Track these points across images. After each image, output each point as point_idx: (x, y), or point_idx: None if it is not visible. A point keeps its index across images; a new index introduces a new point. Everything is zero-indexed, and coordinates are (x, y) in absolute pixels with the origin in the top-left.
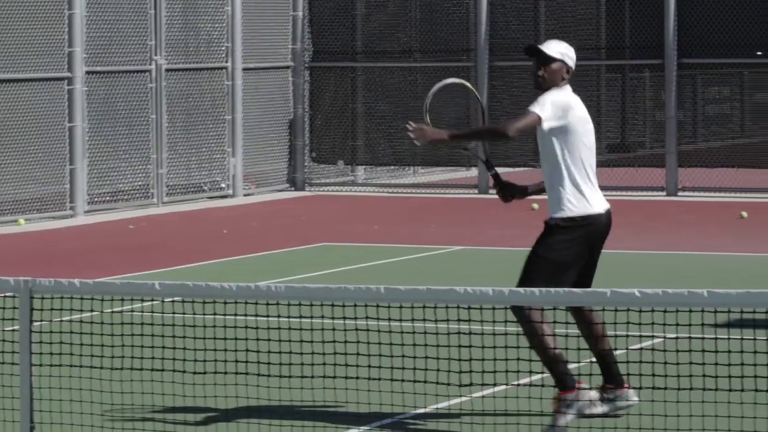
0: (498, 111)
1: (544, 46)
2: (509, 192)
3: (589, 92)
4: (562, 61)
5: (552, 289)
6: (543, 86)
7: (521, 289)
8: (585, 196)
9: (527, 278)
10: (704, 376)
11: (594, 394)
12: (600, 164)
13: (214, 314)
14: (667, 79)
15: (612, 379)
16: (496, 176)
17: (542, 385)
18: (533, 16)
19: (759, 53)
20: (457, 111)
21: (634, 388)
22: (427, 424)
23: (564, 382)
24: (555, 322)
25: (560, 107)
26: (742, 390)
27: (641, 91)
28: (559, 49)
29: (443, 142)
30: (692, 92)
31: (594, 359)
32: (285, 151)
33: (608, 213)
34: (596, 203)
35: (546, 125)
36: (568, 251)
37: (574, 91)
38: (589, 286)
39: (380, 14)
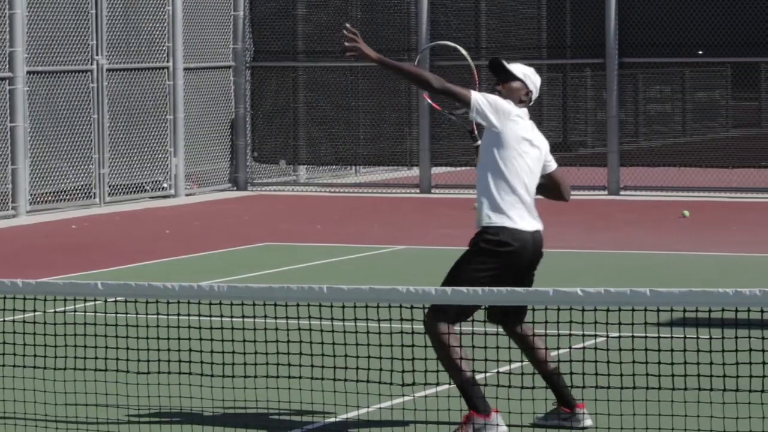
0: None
1: (509, 63)
2: None
3: None
4: (523, 82)
5: (493, 289)
6: None
7: (463, 289)
8: (507, 214)
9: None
10: (647, 375)
11: (504, 430)
12: None
13: (157, 314)
14: (609, 78)
15: (563, 401)
16: (479, 149)
17: (485, 384)
18: (474, 15)
19: (700, 52)
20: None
21: (578, 386)
22: (371, 424)
23: (476, 405)
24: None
25: (500, 110)
26: (685, 389)
27: (582, 90)
28: (523, 71)
29: (369, 60)
30: (634, 91)
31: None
32: (227, 150)
33: (534, 234)
34: (520, 222)
35: (472, 112)
36: (489, 273)
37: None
38: (516, 320)
39: (321, 14)
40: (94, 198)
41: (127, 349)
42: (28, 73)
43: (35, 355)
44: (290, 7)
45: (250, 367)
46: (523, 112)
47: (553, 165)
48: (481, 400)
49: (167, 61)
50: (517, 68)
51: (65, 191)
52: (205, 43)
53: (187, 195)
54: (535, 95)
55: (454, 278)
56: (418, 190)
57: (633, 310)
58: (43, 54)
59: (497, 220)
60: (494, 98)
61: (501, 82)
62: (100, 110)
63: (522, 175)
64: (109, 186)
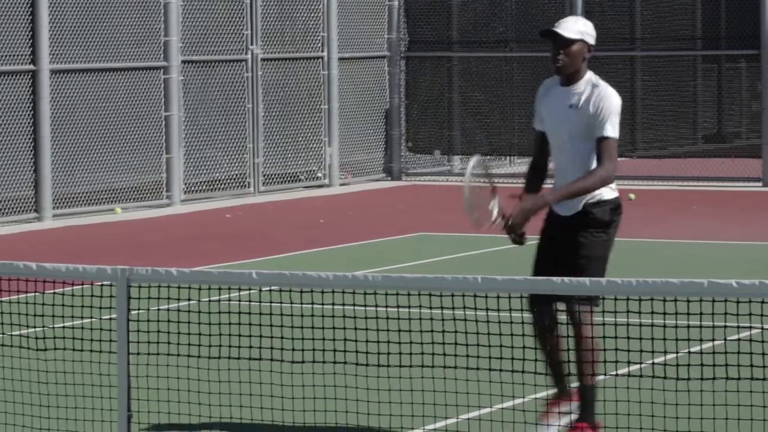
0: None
1: (561, 27)
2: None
3: (686, 83)
4: (582, 41)
5: (647, 280)
6: (564, 71)
7: (617, 280)
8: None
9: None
10: None
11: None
12: (696, 155)
13: (312, 303)
14: (764, 70)
15: (565, 392)
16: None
17: (640, 375)
18: (629, 6)
19: None
20: None
21: (733, 378)
22: (526, 415)
23: (592, 417)
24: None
25: (620, 114)
26: None
27: (737, 81)
28: (577, 28)
29: (546, 206)
30: None
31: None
32: (381, 140)
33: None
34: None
35: (538, 128)
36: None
37: (673, 80)
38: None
39: (476, 3)
40: (249, 187)
41: (282, 338)
42: (183, 62)
43: (189, 344)
44: None
45: (405, 357)
46: (600, 80)
47: (599, 131)
48: (560, 386)
49: (322, 51)
50: (571, 29)
51: (219, 180)
52: (359, 32)
53: (341, 185)
54: (593, 47)
55: (598, 264)
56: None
57: None
58: (197, 43)
59: (612, 192)
60: (614, 112)
61: (560, 48)
62: (254, 100)
63: (556, 163)
64: (264, 175)
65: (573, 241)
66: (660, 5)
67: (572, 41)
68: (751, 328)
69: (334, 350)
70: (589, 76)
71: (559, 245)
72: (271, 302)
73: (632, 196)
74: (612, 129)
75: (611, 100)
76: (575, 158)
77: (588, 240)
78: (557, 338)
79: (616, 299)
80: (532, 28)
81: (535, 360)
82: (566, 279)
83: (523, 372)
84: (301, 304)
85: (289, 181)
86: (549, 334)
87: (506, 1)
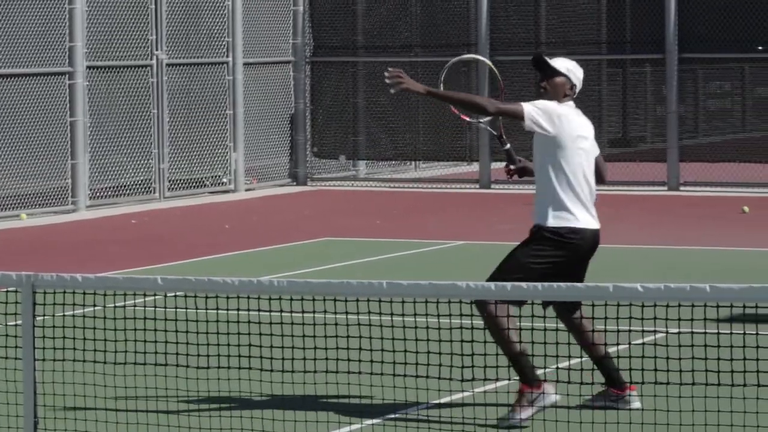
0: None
1: (552, 59)
2: (517, 170)
3: (591, 87)
4: (567, 77)
5: (553, 285)
6: (544, 98)
7: (523, 284)
8: (569, 210)
9: (497, 277)
10: (707, 371)
11: (555, 398)
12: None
13: (217, 309)
14: (668, 74)
15: (613, 383)
16: (508, 152)
17: (544, 380)
18: (534, 10)
19: (760, 48)
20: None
21: (637, 382)
22: (430, 419)
23: (527, 376)
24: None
25: (552, 114)
26: (744, 385)
27: (642, 85)
28: (566, 65)
29: (418, 94)
30: (693, 87)
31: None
32: (286, 145)
33: (594, 231)
34: (582, 219)
35: (527, 123)
36: (543, 261)
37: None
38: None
39: (380, 8)
40: (154, 193)
41: (187, 344)
42: (88, 67)
43: (95, 350)
44: (350, 2)
45: (309, 362)
46: (570, 105)
47: (597, 150)
48: (530, 371)
49: (227, 56)
50: (560, 63)
51: (125, 186)
52: (264, 37)
53: (246, 190)
54: (578, 88)
55: (509, 265)
56: (477, 186)
57: (693, 306)
58: (102, 49)
59: (560, 221)
60: (543, 104)
61: (545, 78)
62: (159, 105)
63: (581, 172)
64: (169, 181)
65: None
66: (565, 9)
67: (558, 73)
68: (655, 332)
69: (239, 356)
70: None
71: None
72: (176, 308)
73: (746, 208)
74: (530, 103)
75: (551, 101)
76: (535, 165)
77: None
78: (583, 336)
79: (507, 306)
80: (437, 33)
81: (439, 365)
82: (471, 283)
83: (427, 377)
84: (206, 309)
85: (194, 187)
86: (575, 334)
87: (411, 6)
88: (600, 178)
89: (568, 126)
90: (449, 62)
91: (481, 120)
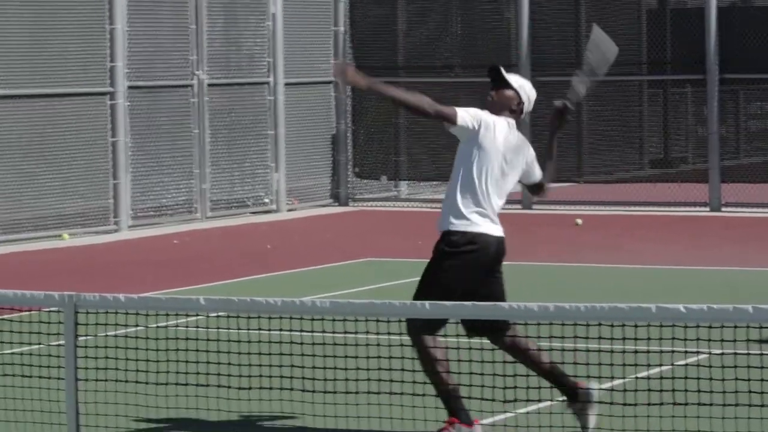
0: (540, 126)
1: (508, 73)
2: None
3: (632, 108)
4: (517, 92)
5: (595, 305)
6: (487, 107)
7: (566, 305)
8: (471, 219)
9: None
10: (750, 392)
11: None
12: (642, 180)
13: (259, 329)
14: (709, 95)
15: (568, 393)
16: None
17: (587, 401)
18: (574, 31)
19: None
20: None
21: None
22: None
23: (458, 415)
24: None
25: (481, 121)
26: None
27: (683, 106)
28: (519, 82)
29: (360, 88)
30: (734, 107)
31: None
32: (328, 166)
33: (498, 240)
34: (484, 226)
35: (458, 123)
36: (449, 274)
37: (619, 105)
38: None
39: (421, 29)
40: (196, 213)
41: (229, 364)
42: (129, 87)
43: (137, 370)
44: (390, 23)
45: (351, 383)
46: (508, 122)
47: (537, 175)
48: (463, 413)
49: (268, 76)
50: (514, 78)
51: (166, 206)
52: (305, 58)
53: (288, 210)
54: (527, 108)
55: (426, 287)
56: (519, 207)
57: (735, 327)
58: (143, 69)
59: (459, 225)
60: (474, 111)
61: (495, 88)
62: (201, 125)
63: (490, 184)
64: (211, 201)
65: None
66: (606, 31)
67: (509, 86)
68: (698, 353)
69: (281, 376)
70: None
71: None
72: (218, 328)
73: (579, 221)
74: (463, 108)
75: (487, 111)
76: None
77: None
78: (525, 355)
79: (563, 324)
80: (477, 53)
81: (482, 386)
82: (515, 304)
83: (469, 398)
84: (248, 329)
85: (236, 207)
86: (517, 355)
87: (452, 26)
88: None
89: (492, 137)
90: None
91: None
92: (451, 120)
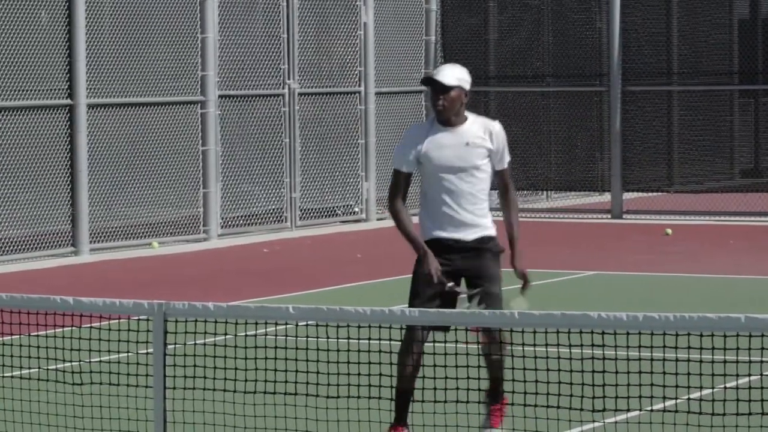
0: (631, 136)
1: (440, 74)
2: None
3: (723, 117)
4: (460, 87)
5: (684, 315)
6: (444, 115)
7: (655, 315)
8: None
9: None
10: None
11: None
12: (733, 189)
13: (348, 338)
14: None
15: (492, 395)
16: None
17: (675, 411)
18: (666, 40)
19: None
20: None
21: None
22: None
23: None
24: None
25: (404, 148)
26: None
27: None
28: (455, 75)
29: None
30: None
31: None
32: (418, 175)
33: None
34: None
35: (406, 170)
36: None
37: (710, 115)
38: None
39: (513, 39)
40: (286, 222)
41: (318, 373)
42: (220, 96)
43: (225, 378)
44: (482, 32)
45: (440, 392)
46: (468, 117)
47: (503, 163)
48: (402, 414)
49: (359, 86)
50: (449, 76)
51: (256, 215)
52: (396, 67)
53: (378, 219)
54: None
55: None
56: (609, 216)
57: None
58: (234, 78)
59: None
60: (397, 148)
61: (440, 94)
62: (291, 134)
63: (443, 195)
64: (301, 210)
65: None
66: (697, 40)
67: (450, 87)
68: None
69: (369, 385)
70: (473, 116)
71: None
72: (307, 337)
73: (669, 231)
74: (509, 158)
75: (503, 134)
76: (471, 190)
77: None
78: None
79: (652, 334)
80: (568, 62)
81: (570, 396)
82: (603, 314)
83: (558, 407)
84: (338, 339)
85: (326, 216)
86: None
87: (543, 36)
88: (504, 191)
89: (429, 157)
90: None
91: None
92: (398, 177)
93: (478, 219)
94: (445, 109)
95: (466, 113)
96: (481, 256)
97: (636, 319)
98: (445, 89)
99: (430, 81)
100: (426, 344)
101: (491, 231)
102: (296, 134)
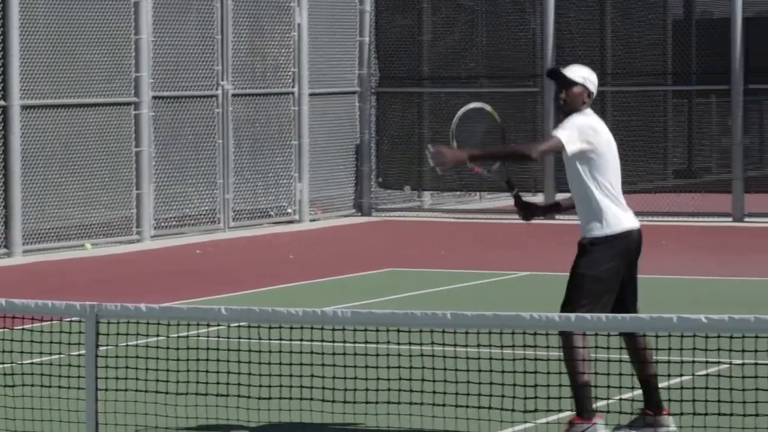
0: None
1: (567, 69)
2: (530, 212)
3: (656, 118)
4: (584, 86)
5: (617, 316)
6: (564, 109)
7: (587, 315)
8: (615, 215)
9: (572, 299)
10: None
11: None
12: (666, 190)
13: (280, 339)
14: (734, 105)
15: (652, 406)
16: (517, 197)
17: (607, 411)
18: (599, 41)
19: None
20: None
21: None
22: None
23: (584, 408)
24: (597, 346)
25: (584, 131)
26: None
27: (708, 116)
28: (581, 74)
29: (463, 163)
30: (759, 118)
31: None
32: (351, 176)
33: (639, 231)
34: (626, 220)
35: (569, 149)
36: (606, 267)
37: (644, 115)
38: (633, 307)
39: (446, 39)
40: (219, 223)
41: (249, 374)
42: (154, 98)
43: (157, 380)
44: (415, 33)
45: (371, 393)
46: (592, 114)
47: None
48: (588, 402)
49: (292, 87)
50: (575, 72)
51: (190, 216)
52: (330, 68)
53: (311, 220)
54: (594, 94)
55: (575, 283)
56: (542, 216)
57: (757, 337)
58: (168, 79)
59: (609, 228)
60: (572, 124)
61: (563, 88)
62: (225, 135)
63: (616, 178)
64: (234, 211)
65: None
66: (631, 40)
67: (574, 83)
68: (719, 363)
69: (301, 386)
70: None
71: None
72: (239, 338)
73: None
74: (561, 131)
75: (574, 117)
76: (570, 180)
77: None
78: (639, 353)
79: (584, 335)
80: (502, 63)
81: (502, 396)
82: (536, 315)
83: (489, 408)
84: (270, 339)
85: (259, 217)
86: (632, 349)
87: (477, 37)
88: None
89: (599, 137)
90: (457, 115)
91: (491, 169)
92: (559, 148)
93: None
94: (566, 104)
95: (590, 113)
96: None
97: (569, 320)
98: (567, 83)
99: (555, 74)
100: (381, 346)
101: (591, 233)
102: (229, 135)
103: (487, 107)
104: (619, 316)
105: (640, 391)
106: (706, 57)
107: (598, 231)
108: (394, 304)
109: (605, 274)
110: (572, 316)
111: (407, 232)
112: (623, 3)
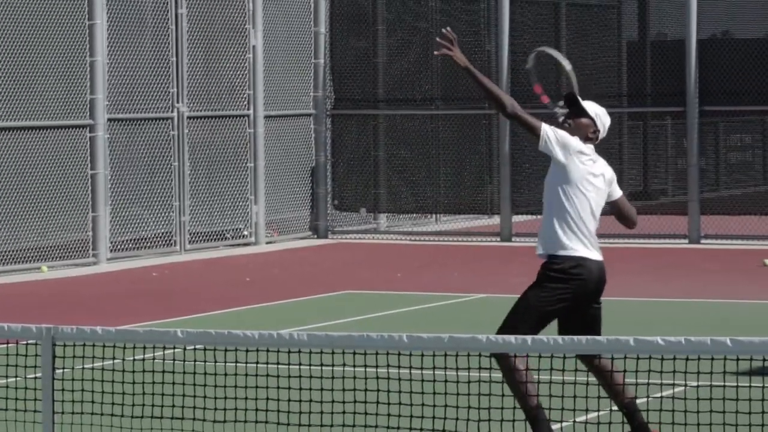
0: (520, 158)
1: (585, 101)
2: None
3: (612, 140)
4: (593, 120)
5: (573, 338)
6: None
7: (543, 337)
8: (571, 246)
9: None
10: (724, 424)
11: None
12: None
13: (236, 362)
14: (689, 127)
15: (637, 430)
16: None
17: None
18: (554, 64)
19: None
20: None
21: None
22: None
23: (541, 431)
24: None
25: (567, 146)
26: None
27: (663, 138)
28: (595, 109)
29: (457, 65)
30: (714, 140)
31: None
32: (307, 198)
33: (599, 265)
34: (582, 252)
35: (542, 141)
36: (555, 301)
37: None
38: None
39: (402, 62)
40: (175, 245)
41: (205, 397)
42: (109, 120)
43: (113, 403)
44: (371, 55)
45: (326, 416)
46: (589, 148)
47: (617, 193)
48: (545, 426)
49: (248, 109)
50: (590, 106)
51: (146, 238)
52: (285, 90)
53: (267, 243)
54: (602, 135)
55: (521, 309)
56: (498, 239)
57: (713, 359)
58: (123, 101)
59: (562, 250)
60: (562, 134)
61: (572, 116)
62: (180, 158)
63: (584, 209)
64: (190, 233)
65: None
66: (586, 62)
67: (585, 113)
68: (674, 385)
69: (256, 409)
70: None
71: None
72: (195, 361)
73: (767, 261)
74: (550, 126)
75: (574, 137)
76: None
77: None
78: (610, 383)
79: (540, 357)
80: (457, 85)
81: (456, 419)
82: (492, 337)
83: (444, 431)
84: (225, 362)
85: (215, 239)
86: (602, 380)
87: (432, 59)
88: (626, 220)
89: (579, 162)
90: (533, 52)
91: (558, 104)
92: (535, 131)
93: None
94: (567, 130)
95: (590, 148)
96: None
97: (525, 342)
98: (578, 111)
99: (572, 99)
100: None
101: (543, 250)
102: (185, 157)
103: (568, 67)
104: (575, 338)
105: (596, 414)
106: (661, 79)
107: (552, 251)
108: (351, 326)
109: (549, 305)
110: (528, 338)
111: (363, 255)
112: (578, 25)
